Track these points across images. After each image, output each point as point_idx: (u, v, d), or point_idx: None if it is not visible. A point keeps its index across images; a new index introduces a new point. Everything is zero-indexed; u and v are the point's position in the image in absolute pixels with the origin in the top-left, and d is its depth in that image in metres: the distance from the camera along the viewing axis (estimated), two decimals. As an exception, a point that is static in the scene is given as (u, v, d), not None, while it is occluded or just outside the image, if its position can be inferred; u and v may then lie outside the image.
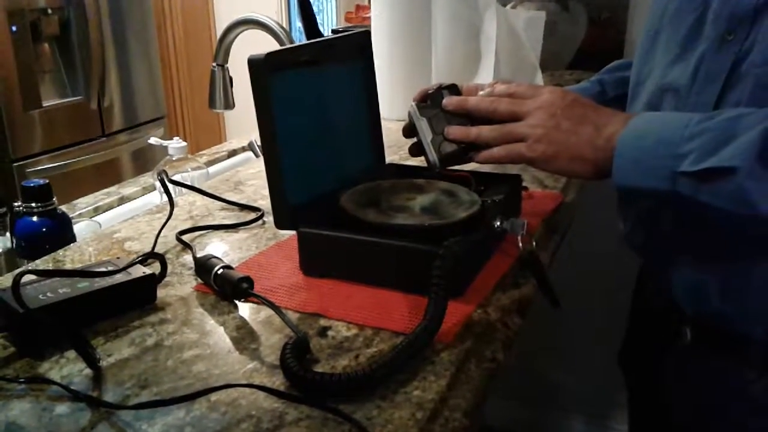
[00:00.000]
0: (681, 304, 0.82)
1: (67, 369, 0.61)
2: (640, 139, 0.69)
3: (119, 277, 0.70)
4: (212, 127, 3.44)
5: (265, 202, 1.02)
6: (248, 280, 0.71)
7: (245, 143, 1.71)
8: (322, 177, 0.85)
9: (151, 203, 1.40)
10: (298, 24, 3.29)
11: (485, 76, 1.62)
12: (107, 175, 2.66)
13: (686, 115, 0.67)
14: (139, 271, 0.72)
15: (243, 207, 1.01)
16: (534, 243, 0.81)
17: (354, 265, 0.76)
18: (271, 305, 0.67)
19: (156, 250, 0.85)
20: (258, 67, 0.74)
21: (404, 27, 1.54)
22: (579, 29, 1.83)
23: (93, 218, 1.30)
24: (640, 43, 0.88)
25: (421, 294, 0.72)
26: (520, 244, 0.80)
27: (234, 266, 0.80)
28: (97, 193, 1.44)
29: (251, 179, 1.15)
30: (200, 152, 1.72)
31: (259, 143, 1.60)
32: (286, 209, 0.78)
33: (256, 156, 1.54)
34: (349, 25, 2.56)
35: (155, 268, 0.76)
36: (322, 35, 1.75)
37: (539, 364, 2.11)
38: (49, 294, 0.66)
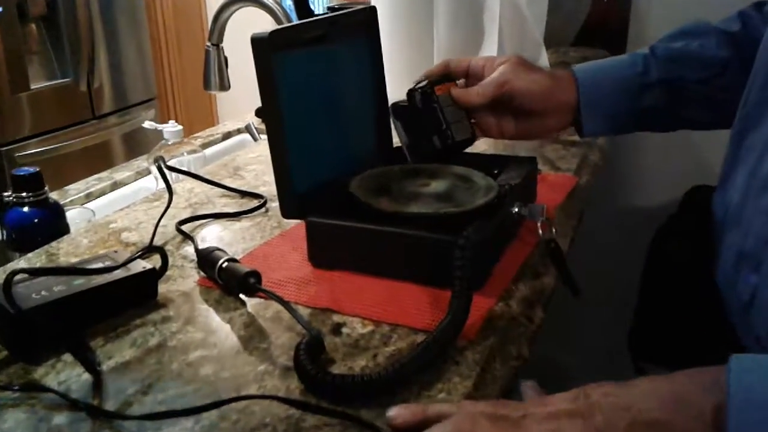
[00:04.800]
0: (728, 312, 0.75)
1: (65, 374, 0.57)
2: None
3: (118, 273, 0.65)
4: (204, 108, 3.37)
5: (266, 189, 0.98)
6: (255, 274, 0.66)
7: (240, 125, 1.66)
8: (329, 162, 0.80)
9: (145, 188, 1.36)
10: (288, 1, 3.23)
11: (489, 53, 1.57)
12: (98, 158, 2.60)
13: None
14: (139, 265, 0.67)
15: (244, 194, 0.96)
16: (554, 230, 0.77)
17: (366, 257, 0.71)
18: (281, 301, 0.62)
19: (155, 241, 0.81)
20: (262, 46, 0.69)
21: (405, 2, 1.49)
22: (583, 4, 1.78)
23: (85, 205, 1.25)
24: None
25: (437, 286, 0.68)
26: (540, 231, 0.76)
27: (238, 258, 0.76)
28: (88, 179, 1.39)
29: (251, 164, 1.11)
30: (194, 135, 1.67)
31: (256, 125, 1.55)
32: (294, 197, 0.73)
33: (254, 139, 1.49)
34: (345, 2, 2.50)
35: (155, 260, 0.72)
36: (312, 13, 1.70)
37: (542, 345, 2.08)
38: (43, 293, 0.62)
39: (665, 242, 0.94)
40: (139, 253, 0.67)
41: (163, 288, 0.70)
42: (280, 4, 1.42)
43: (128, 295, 0.66)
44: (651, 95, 0.85)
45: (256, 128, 1.58)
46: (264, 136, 1.57)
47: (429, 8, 1.53)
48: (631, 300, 1.04)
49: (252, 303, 0.68)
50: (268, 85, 0.71)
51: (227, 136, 1.67)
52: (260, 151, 1.17)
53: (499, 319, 0.65)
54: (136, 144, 2.78)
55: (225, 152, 1.57)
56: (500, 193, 0.75)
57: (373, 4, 1.53)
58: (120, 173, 1.42)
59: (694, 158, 1.73)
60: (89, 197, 1.32)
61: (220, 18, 1.38)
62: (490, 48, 1.57)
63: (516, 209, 0.75)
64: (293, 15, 1.57)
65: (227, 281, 0.68)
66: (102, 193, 1.35)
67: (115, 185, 1.39)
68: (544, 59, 1.55)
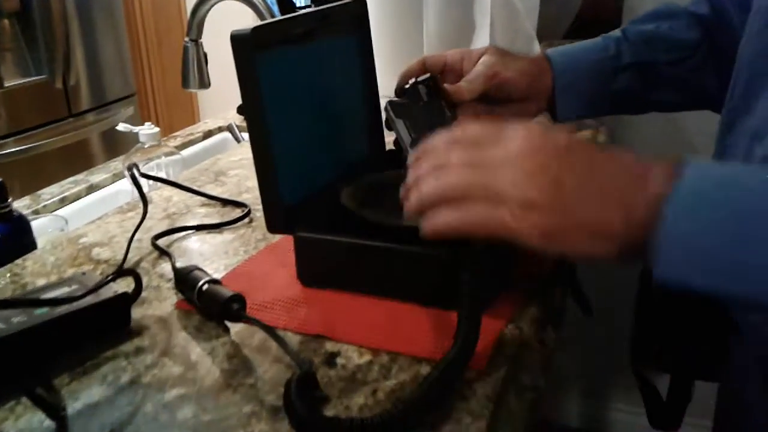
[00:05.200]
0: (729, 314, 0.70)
1: (25, 420, 0.50)
2: (705, 209, 0.42)
3: (86, 300, 0.59)
4: (185, 104, 3.29)
5: (250, 196, 0.91)
6: (239, 298, 0.60)
7: (222, 123, 1.59)
8: (318, 169, 0.74)
9: (123, 191, 1.29)
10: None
11: (480, 45, 1.51)
12: (76, 157, 2.52)
13: None
14: (110, 290, 0.61)
15: (226, 202, 0.90)
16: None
17: (362, 275, 0.65)
18: (269, 331, 0.56)
19: (129, 257, 0.74)
20: (243, 44, 0.63)
21: (393, -6, 1.42)
22: (576, -5, 1.72)
23: (59, 212, 1.18)
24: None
25: (441, 307, 0.62)
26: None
27: (220, 276, 0.69)
28: (63, 182, 1.32)
29: (233, 168, 1.04)
30: (174, 134, 1.59)
31: (238, 124, 1.48)
32: (280, 210, 0.66)
33: (237, 141, 1.42)
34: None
35: (129, 280, 0.65)
36: (294, 5, 1.63)
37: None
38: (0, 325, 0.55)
39: None
40: (110, 278, 0.60)
41: (137, 313, 0.64)
42: (262, -3, 1.35)
43: (98, 325, 0.60)
44: (623, 78, 0.84)
45: (238, 127, 1.51)
46: (248, 136, 1.51)
47: (418, 0, 1.47)
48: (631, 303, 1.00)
49: (236, 329, 0.61)
50: (251, 88, 0.64)
51: (208, 134, 1.59)
52: (243, 153, 1.10)
53: (510, 344, 0.59)
54: (116, 142, 2.70)
55: (206, 152, 1.50)
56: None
57: (359, -4, 1.47)
58: (96, 175, 1.35)
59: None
60: (64, 202, 1.25)
61: (199, 12, 1.31)
62: (481, 41, 1.51)
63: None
64: (275, 8, 1.50)
65: (208, 305, 0.62)
66: (77, 197, 1.28)
67: (91, 188, 1.32)
68: (536, 52, 1.49)
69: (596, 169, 0.47)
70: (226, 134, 1.56)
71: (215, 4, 1.32)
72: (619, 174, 0.46)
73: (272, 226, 0.67)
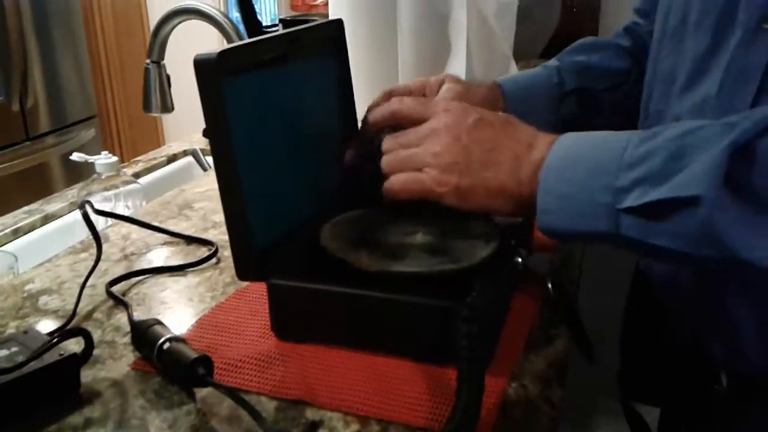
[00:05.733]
0: (711, 351, 0.68)
1: None
2: (568, 168, 0.54)
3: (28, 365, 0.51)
4: (149, 126, 3.19)
5: (217, 233, 0.83)
6: (206, 361, 0.52)
7: (187, 146, 1.51)
8: (293, 206, 0.66)
9: (80, 221, 1.20)
10: (235, 14, 3.08)
11: (457, 67, 1.46)
12: (35, 182, 2.43)
13: (625, 135, 0.54)
14: (55, 351, 0.53)
15: (191, 240, 0.82)
16: (564, 282, 0.65)
17: (345, 328, 0.58)
18: (240, 401, 0.48)
19: (81, 306, 0.66)
20: (208, 69, 0.56)
21: (366, 14, 1.37)
22: (552, 16, 1.69)
23: (9, 246, 1.09)
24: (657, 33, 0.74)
25: (436, 363, 0.55)
26: (550, 285, 0.63)
27: (184, 328, 0.62)
28: (17, 212, 1.23)
29: (199, 200, 0.96)
30: (136, 158, 1.51)
31: (201, 147, 1.41)
32: (252, 255, 0.59)
33: (203, 169, 1.34)
34: (296, 13, 2.36)
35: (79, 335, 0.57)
36: (261, 25, 1.56)
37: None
38: None
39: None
40: (55, 340, 0.52)
41: (88, 375, 0.56)
42: (227, 17, 1.28)
43: (41, 393, 0.52)
44: (568, 104, 0.88)
45: (203, 151, 1.44)
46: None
47: (392, 20, 1.41)
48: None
49: (202, 393, 0.54)
50: (217, 118, 0.57)
51: (173, 159, 1.51)
52: (210, 183, 1.03)
53: (515, 406, 0.52)
54: (76, 166, 2.59)
55: (170, 178, 1.42)
56: (503, 240, 0.62)
57: (332, 16, 1.40)
58: (52, 204, 1.26)
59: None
60: (17, 233, 1.16)
61: (161, 32, 1.23)
62: (458, 62, 1.46)
63: (520, 260, 0.63)
64: (242, 28, 1.43)
65: (170, 368, 0.54)
66: (32, 227, 1.19)
67: (47, 219, 1.23)
68: (513, 72, 1.45)
69: (496, 141, 0.58)
70: (192, 158, 1.48)
71: (179, 23, 1.25)
72: (513, 145, 0.58)
73: (243, 274, 0.59)
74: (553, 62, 0.91)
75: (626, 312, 0.94)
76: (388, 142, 0.63)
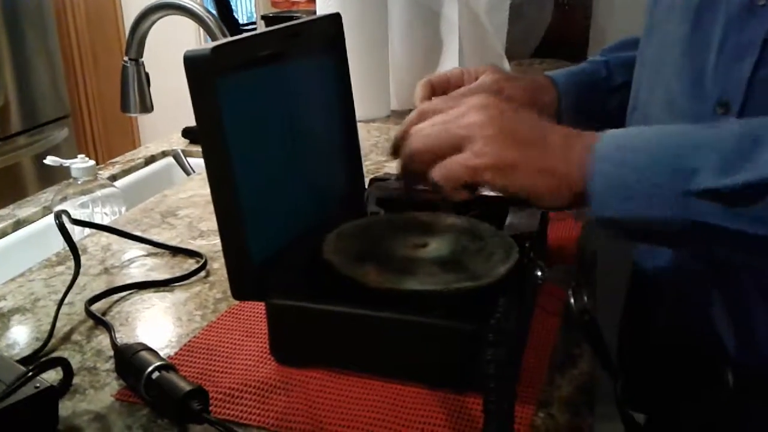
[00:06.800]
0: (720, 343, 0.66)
1: None
2: (625, 150, 0.51)
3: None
4: (124, 126, 3.10)
5: (205, 242, 0.78)
6: (201, 394, 0.47)
7: (166, 147, 1.44)
8: (293, 216, 0.61)
9: (54, 227, 1.14)
10: (212, 10, 3.01)
11: (450, 65, 1.41)
12: (8, 183, 2.36)
13: (678, 127, 0.54)
14: (31, 385, 0.47)
15: (177, 251, 0.76)
16: (585, 297, 0.60)
17: (353, 351, 0.53)
18: (242, 441, 0.43)
19: (58, 327, 0.60)
20: (200, 66, 0.50)
21: (356, 11, 1.31)
22: (544, 16, 1.65)
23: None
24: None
25: (455, 390, 0.50)
26: (572, 301, 0.58)
27: (172, 351, 0.56)
28: (-15, 218, 1.16)
29: (184, 207, 0.90)
30: (112, 160, 1.44)
31: (183, 149, 1.34)
32: (249, 272, 0.53)
33: (186, 173, 1.28)
34: (278, 10, 2.30)
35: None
36: (238, 23, 1.51)
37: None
38: None
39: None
40: (30, 373, 0.46)
41: (67, 407, 0.50)
42: (210, 12, 1.22)
43: (15, 430, 0.46)
44: (617, 97, 0.87)
45: (184, 152, 1.37)
46: (198, 165, 1.36)
47: (383, 17, 1.36)
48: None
49: (196, 429, 0.48)
50: (211, 119, 0.51)
51: (151, 160, 1.44)
52: (195, 188, 0.97)
53: (545, 440, 0.47)
54: (50, 167, 2.52)
55: (149, 181, 1.35)
56: (522, 253, 0.57)
57: (319, 13, 1.35)
58: (24, 209, 1.19)
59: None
60: (-15, 241, 1.09)
61: (139, 29, 1.17)
62: (450, 60, 1.42)
63: (539, 272, 0.58)
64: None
65: (160, 402, 0.48)
66: (3, 233, 1.13)
67: (18, 224, 1.16)
68: (507, 71, 1.40)
69: (541, 123, 0.55)
70: (171, 159, 1.42)
71: (158, 19, 1.18)
72: (560, 129, 0.55)
73: (239, 293, 0.54)
74: (598, 57, 0.90)
75: (624, 312, 0.90)
76: (421, 109, 0.58)
